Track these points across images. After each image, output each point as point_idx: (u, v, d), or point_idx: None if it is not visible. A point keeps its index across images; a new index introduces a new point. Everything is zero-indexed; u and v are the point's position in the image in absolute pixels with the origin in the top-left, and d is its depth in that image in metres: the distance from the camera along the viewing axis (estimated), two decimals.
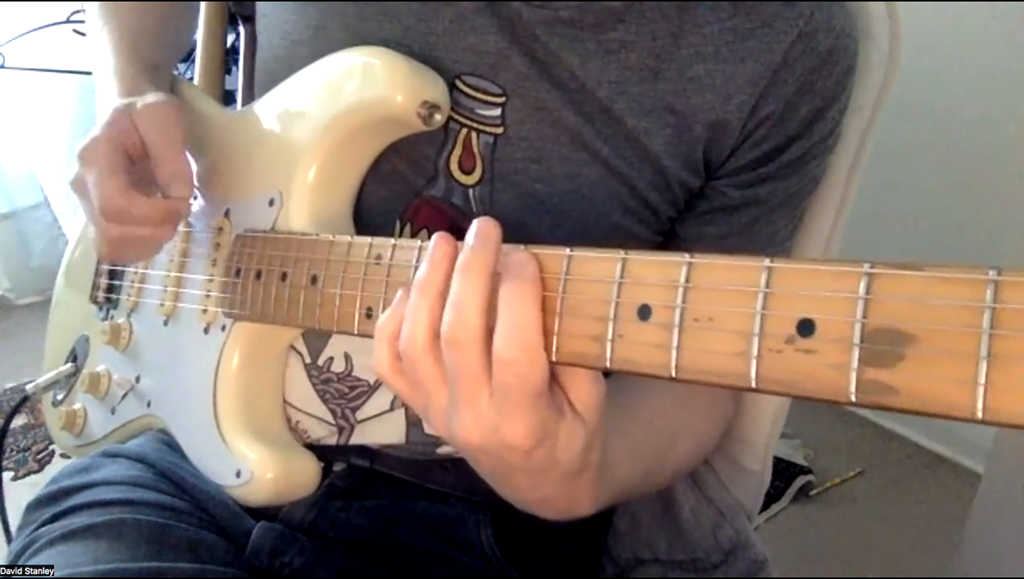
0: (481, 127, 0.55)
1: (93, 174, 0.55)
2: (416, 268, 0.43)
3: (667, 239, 0.61)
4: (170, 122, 0.57)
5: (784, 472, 1.54)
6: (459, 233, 0.39)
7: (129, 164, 0.56)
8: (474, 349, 0.37)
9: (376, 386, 0.59)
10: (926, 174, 1.59)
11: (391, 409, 0.60)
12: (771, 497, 1.49)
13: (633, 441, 0.52)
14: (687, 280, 0.32)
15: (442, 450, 0.62)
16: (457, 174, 0.56)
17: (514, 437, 0.37)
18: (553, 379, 0.39)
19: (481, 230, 0.39)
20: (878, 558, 1.41)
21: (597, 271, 0.36)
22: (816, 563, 1.40)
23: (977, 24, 1.45)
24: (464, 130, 0.56)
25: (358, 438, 0.61)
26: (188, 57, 1.00)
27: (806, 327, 0.29)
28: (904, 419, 1.69)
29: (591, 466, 0.42)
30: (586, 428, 0.40)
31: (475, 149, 0.56)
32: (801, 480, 1.54)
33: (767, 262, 0.30)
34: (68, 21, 1.78)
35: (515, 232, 0.40)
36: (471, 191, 0.56)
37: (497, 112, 0.55)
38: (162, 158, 0.56)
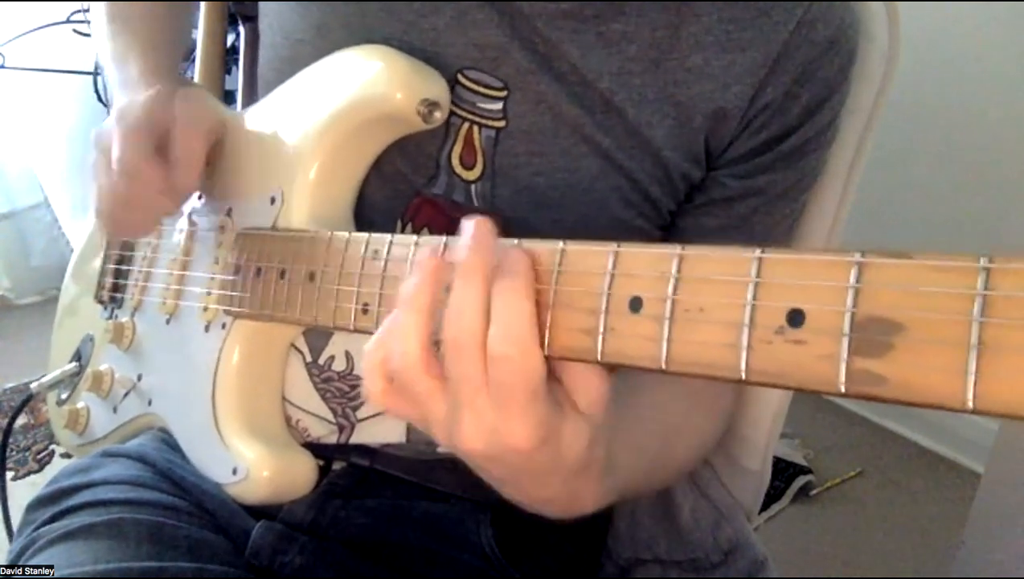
0: (483, 121, 0.55)
1: (122, 131, 0.57)
2: (412, 263, 0.43)
3: (667, 233, 0.61)
4: (203, 113, 0.59)
5: (784, 472, 1.54)
6: (459, 229, 0.39)
7: (155, 140, 0.57)
8: (476, 353, 0.36)
9: None
10: (925, 174, 1.59)
11: None
12: (771, 497, 1.49)
13: (635, 438, 0.52)
14: (678, 272, 0.32)
15: (443, 449, 0.62)
16: (458, 169, 0.56)
17: (515, 438, 0.37)
18: (554, 376, 0.38)
19: (477, 232, 0.38)
20: (878, 558, 1.41)
21: (589, 264, 0.35)
22: (816, 563, 1.40)
23: (977, 24, 1.46)
24: (465, 124, 0.56)
25: (358, 437, 0.61)
26: (188, 57, 1.00)
27: (796, 317, 0.29)
28: (904, 419, 1.69)
29: (595, 462, 0.42)
30: (590, 425, 0.39)
31: (476, 144, 0.56)
32: (801, 480, 1.54)
33: (758, 253, 0.30)
34: (68, 21, 1.79)
35: (516, 227, 0.39)
36: (472, 187, 0.56)
37: (499, 106, 0.55)
38: (181, 140, 0.57)
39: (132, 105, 0.58)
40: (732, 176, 0.57)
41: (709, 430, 0.62)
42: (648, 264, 0.33)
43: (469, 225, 0.39)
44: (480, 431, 0.37)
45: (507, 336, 0.36)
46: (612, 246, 0.35)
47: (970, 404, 0.25)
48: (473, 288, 0.37)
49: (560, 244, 0.37)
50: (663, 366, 0.32)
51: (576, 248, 0.36)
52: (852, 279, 0.27)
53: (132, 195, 0.57)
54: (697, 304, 0.32)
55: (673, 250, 0.33)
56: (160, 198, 0.57)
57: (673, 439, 0.57)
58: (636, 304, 0.33)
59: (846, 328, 0.27)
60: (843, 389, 0.27)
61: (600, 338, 0.35)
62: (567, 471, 0.40)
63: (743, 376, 0.30)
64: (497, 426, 0.37)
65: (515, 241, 0.38)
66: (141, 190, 0.57)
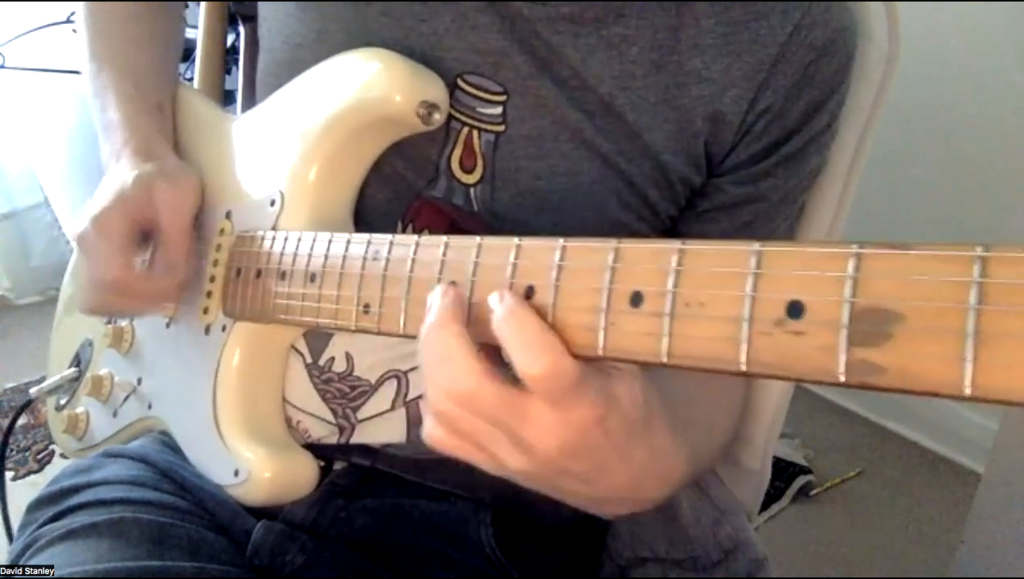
0: (482, 125, 0.55)
1: (105, 245, 0.57)
2: (413, 262, 0.43)
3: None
4: (186, 206, 0.59)
5: (784, 472, 1.54)
6: (458, 232, 0.39)
7: (139, 238, 0.58)
8: (489, 388, 0.37)
9: (377, 386, 0.60)
10: (925, 174, 1.59)
11: (392, 409, 0.60)
12: (771, 497, 1.49)
13: (689, 411, 0.51)
14: (679, 265, 0.33)
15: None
16: (458, 173, 0.56)
17: (582, 416, 0.36)
18: None
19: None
20: (878, 558, 1.41)
21: (590, 260, 0.36)
22: (816, 563, 1.40)
23: (977, 24, 1.46)
24: (465, 129, 0.56)
25: (359, 437, 0.61)
26: (188, 57, 1.01)
27: (795, 309, 0.29)
28: (904, 419, 1.69)
29: (658, 412, 0.41)
30: (636, 372, 0.38)
31: (476, 148, 0.56)
32: (801, 480, 1.54)
33: (757, 246, 0.30)
34: (68, 21, 1.79)
35: (514, 229, 0.40)
36: (472, 190, 0.56)
37: (498, 110, 0.55)
38: (169, 244, 0.58)
39: (112, 214, 0.57)
40: (735, 182, 0.57)
41: (735, 410, 0.64)
42: (648, 259, 0.34)
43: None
44: (548, 430, 0.37)
45: (530, 354, 0.35)
46: (613, 242, 0.35)
47: (967, 391, 0.25)
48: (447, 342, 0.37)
49: (560, 241, 0.37)
50: (664, 360, 0.33)
51: (576, 244, 0.37)
52: (850, 270, 0.28)
53: (126, 305, 0.60)
54: (697, 298, 0.32)
55: (673, 244, 0.33)
56: (155, 306, 0.60)
57: (715, 417, 0.58)
58: (637, 299, 0.34)
59: (845, 319, 0.28)
60: (843, 379, 0.28)
61: (601, 333, 0.35)
62: (640, 433, 0.39)
63: (743, 368, 0.30)
64: (564, 418, 0.36)
65: (516, 240, 0.38)
66: (131, 300, 0.59)
